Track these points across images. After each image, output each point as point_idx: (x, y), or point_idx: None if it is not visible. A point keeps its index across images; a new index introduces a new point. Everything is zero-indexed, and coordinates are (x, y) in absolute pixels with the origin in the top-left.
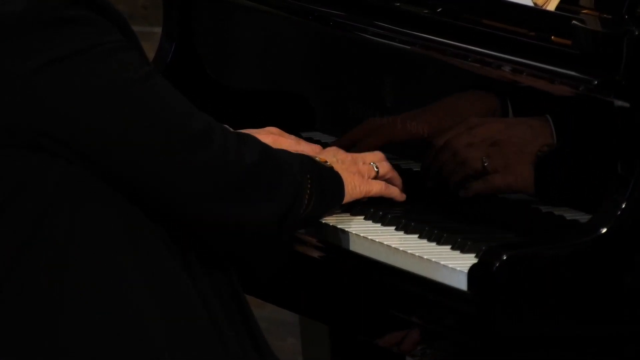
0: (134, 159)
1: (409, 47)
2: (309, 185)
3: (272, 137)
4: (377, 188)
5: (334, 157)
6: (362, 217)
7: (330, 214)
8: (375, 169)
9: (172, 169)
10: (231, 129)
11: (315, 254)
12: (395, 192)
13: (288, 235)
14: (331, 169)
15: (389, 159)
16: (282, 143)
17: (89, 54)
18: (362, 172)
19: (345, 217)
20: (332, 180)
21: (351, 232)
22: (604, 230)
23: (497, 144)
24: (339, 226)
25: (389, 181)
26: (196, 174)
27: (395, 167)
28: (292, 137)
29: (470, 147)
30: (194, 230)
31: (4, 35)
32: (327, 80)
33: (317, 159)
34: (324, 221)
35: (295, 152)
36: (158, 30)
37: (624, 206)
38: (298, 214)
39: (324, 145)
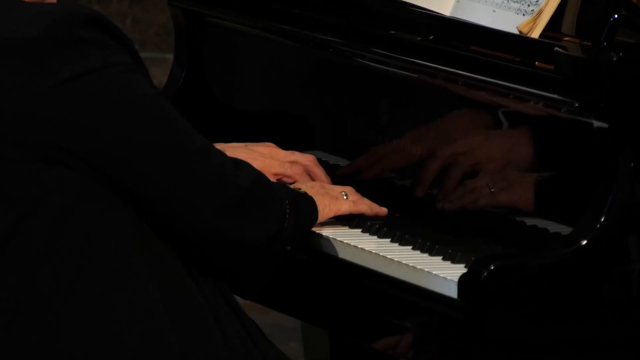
0: (141, 169)
1: (403, 72)
2: (287, 209)
3: (268, 148)
4: (346, 206)
5: (303, 184)
6: (360, 229)
7: (305, 233)
8: (345, 196)
9: (176, 179)
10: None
11: (316, 263)
12: (363, 208)
13: (278, 252)
14: (305, 194)
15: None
16: (278, 153)
17: (104, 72)
18: (331, 193)
19: (344, 229)
20: (306, 203)
21: (349, 244)
22: (584, 242)
23: (480, 153)
24: (338, 238)
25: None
26: (197, 184)
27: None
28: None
29: (454, 157)
30: (191, 242)
31: (24, 54)
32: (326, 102)
33: (290, 186)
34: (324, 234)
35: (290, 161)
36: (170, 56)
37: (602, 220)
38: (284, 234)
39: (324, 163)
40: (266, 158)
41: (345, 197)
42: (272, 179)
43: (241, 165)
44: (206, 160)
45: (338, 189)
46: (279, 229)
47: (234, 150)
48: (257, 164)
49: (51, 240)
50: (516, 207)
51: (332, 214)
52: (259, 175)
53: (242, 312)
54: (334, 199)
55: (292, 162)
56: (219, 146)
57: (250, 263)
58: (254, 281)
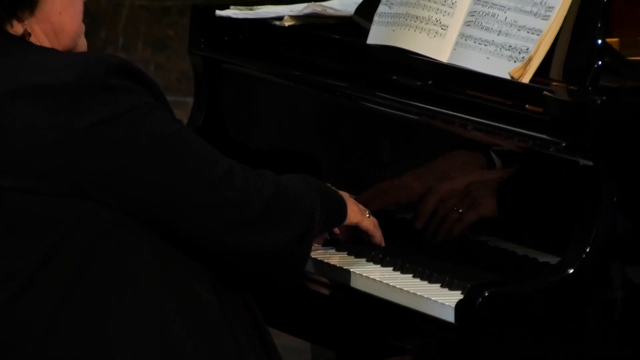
0: (169, 202)
1: (404, 114)
2: (319, 204)
3: None
4: (367, 222)
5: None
6: (364, 259)
7: (332, 229)
8: (367, 214)
9: (203, 208)
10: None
11: (324, 291)
12: (378, 234)
13: (307, 250)
14: (336, 191)
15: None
16: None
17: (131, 114)
18: (359, 206)
19: (350, 259)
20: (337, 201)
21: (355, 272)
22: (571, 270)
23: (473, 188)
24: (344, 267)
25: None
26: (223, 210)
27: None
28: None
29: (451, 193)
30: (223, 259)
31: (59, 99)
32: (333, 141)
33: (326, 184)
34: (331, 262)
35: None
36: (190, 100)
37: (588, 250)
38: (314, 233)
39: None
40: None
41: (367, 216)
42: None
43: (262, 176)
44: (231, 184)
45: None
46: (308, 227)
47: None
48: None
49: (81, 267)
50: (486, 216)
51: (355, 222)
52: (281, 183)
53: (266, 332)
54: (360, 211)
55: None
56: None
57: (281, 264)
58: (283, 279)
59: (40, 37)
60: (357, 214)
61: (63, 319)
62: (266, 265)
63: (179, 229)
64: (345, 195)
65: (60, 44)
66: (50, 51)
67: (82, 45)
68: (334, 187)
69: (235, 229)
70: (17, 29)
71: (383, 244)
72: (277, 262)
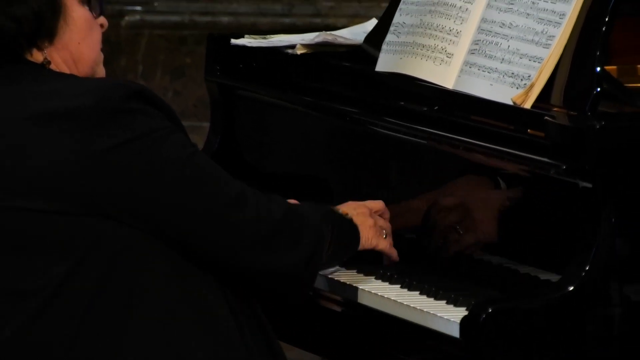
0: (183, 222)
1: (411, 138)
2: (329, 234)
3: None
4: (383, 244)
5: (354, 210)
6: (373, 277)
7: (346, 257)
8: (384, 234)
9: (216, 228)
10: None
11: (334, 307)
12: (394, 254)
13: (314, 273)
14: (350, 220)
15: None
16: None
17: (148, 138)
18: (376, 228)
19: (359, 277)
20: (350, 230)
21: (364, 289)
22: (571, 288)
23: (477, 209)
24: (354, 284)
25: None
26: (234, 230)
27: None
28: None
29: (455, 213)
30: (235, 274)
31: (79, 123)
32: (344, 164)
33: (339, 211)
34: (341, 280)
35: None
36: (206, 125)
37: (587, 268)
38: (321, 258)
39: None
40: None
41: (384, 237)
42: None
43: (272, 199)
44: (243, 207)
45: (380, 222)
46: (313, 252)
47: None
48: None
49: (101, 283)
50: (489, 236)
51: (370, 247)
52: (289, 207)
53: (274, 340)
54: (377, 234)
55: None
56: None
57: (289, 283)
58: (292, 296)
59: (59, 64)
60: (371, 240)
61: (83, 334)
62: (275, 283)
63: (193, 247)
64: (364, 212)
65: (79, 72)
66: (69, 78)
67: (101, 72)
68: (349, 215)
69: (246, 248)
70: (36, 57)
71: (396, 260)
72: (285, 281)
